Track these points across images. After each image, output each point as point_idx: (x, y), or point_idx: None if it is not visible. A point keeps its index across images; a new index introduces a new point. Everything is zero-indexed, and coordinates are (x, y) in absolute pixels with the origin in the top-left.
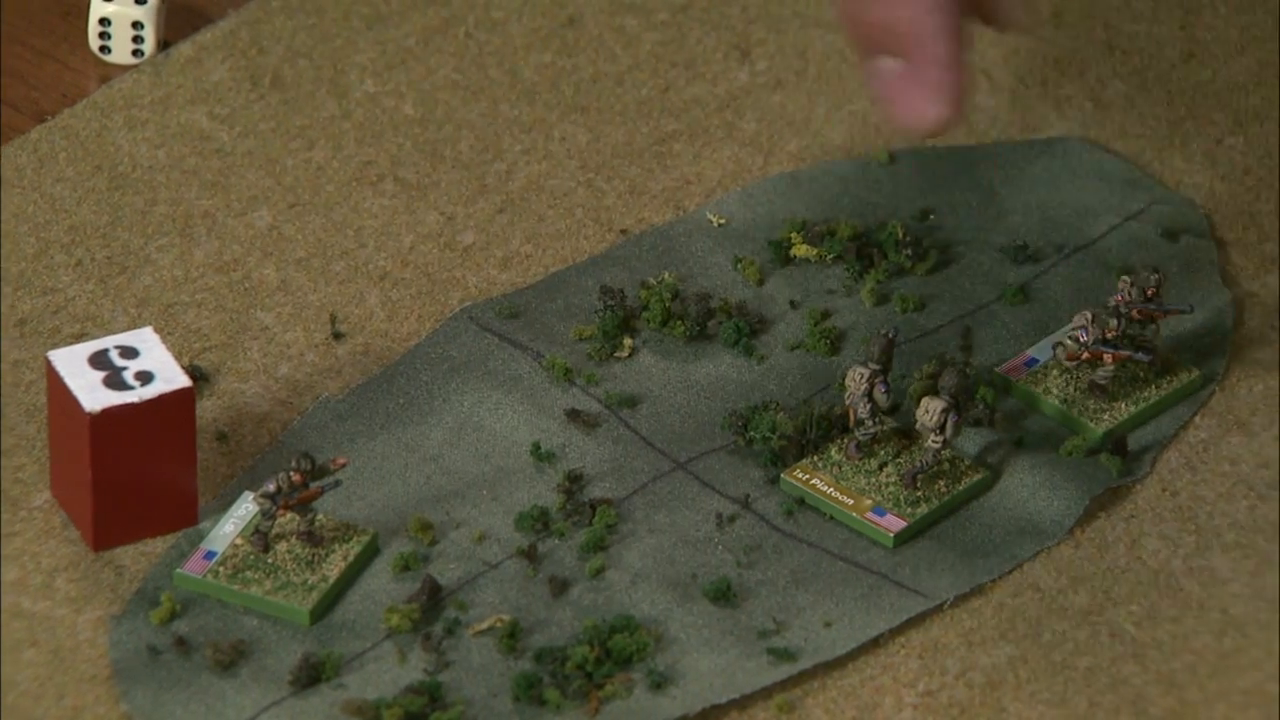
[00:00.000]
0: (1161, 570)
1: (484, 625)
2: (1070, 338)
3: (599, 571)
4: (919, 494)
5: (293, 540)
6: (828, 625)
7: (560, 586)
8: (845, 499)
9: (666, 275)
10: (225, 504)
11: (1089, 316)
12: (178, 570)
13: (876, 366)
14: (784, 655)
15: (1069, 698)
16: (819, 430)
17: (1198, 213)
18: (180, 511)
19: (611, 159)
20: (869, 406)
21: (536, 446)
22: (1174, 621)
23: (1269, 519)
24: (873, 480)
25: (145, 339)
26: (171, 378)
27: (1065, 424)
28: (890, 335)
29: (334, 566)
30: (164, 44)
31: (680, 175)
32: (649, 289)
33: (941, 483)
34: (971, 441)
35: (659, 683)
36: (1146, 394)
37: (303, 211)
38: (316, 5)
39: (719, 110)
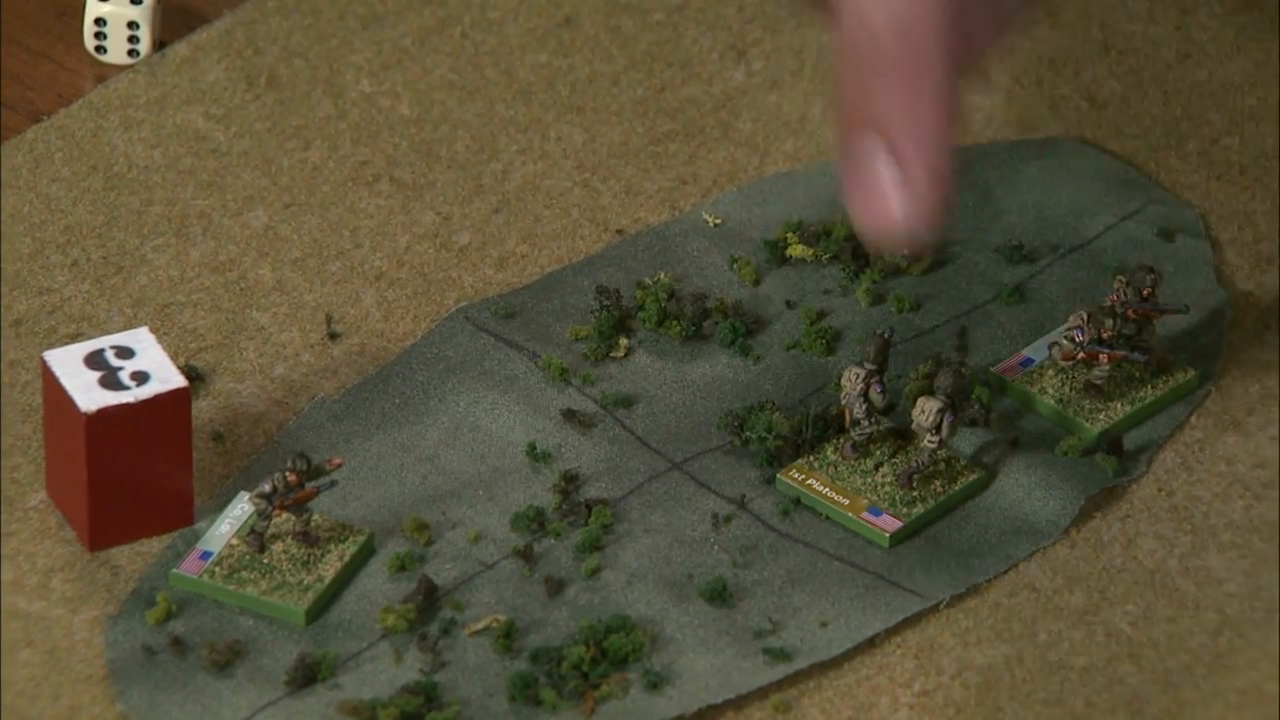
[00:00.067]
0: (1157, 570)
1: (480, 625)
2: (1066, 338)
3: (595, 571)
4: (915, 494)
5: (288, 540)
6: (824, 625)
7: (556, 586)
8: (841, 499)
9: (662, 275)
10: (221, 504)
11: (1084, 316)
12: (173, 570)
13: (872, 366)
14: (780, 655)
15: (1065, 697)
16: (815, 430)
17: (1193, 213)
18: (176, 511)
19: (607, 159)
20: (865, 406)
21: (532, 446)
22: (1170, 621)
23: (1265, 519)
24: (869, 480)
25: (141, 339)
26: (167, 378)
27: (1061, 424)
28: (886, 335)
29: (330, 567)
30: (159, 44)
31: (676, 175)
32: (645, 289)
33: (937, 483)
34: (967, 441)
35: (655, 683)
36: (1142, 394)
37: (298, 212)
38: (312, 5)
39: (715, 110)
